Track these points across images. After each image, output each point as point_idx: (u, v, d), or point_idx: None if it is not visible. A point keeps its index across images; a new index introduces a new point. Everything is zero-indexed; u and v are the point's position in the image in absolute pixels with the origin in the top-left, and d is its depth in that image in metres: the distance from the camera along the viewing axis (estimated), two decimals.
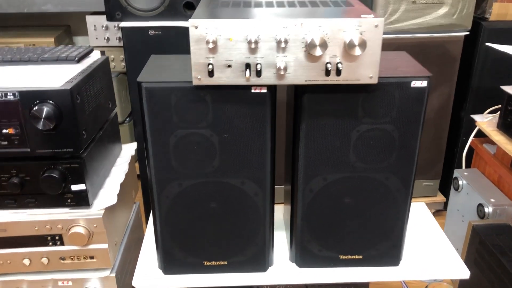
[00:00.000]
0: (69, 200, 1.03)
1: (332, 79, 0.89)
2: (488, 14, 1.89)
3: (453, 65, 1.91)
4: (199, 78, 0.89)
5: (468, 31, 1.86)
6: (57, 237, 1.05)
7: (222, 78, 0.89)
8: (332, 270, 1.11)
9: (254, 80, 0.89)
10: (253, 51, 0.86)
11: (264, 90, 0.92)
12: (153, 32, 1.77)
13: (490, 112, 1.77)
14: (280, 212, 1.29)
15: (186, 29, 1.76)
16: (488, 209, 1.55)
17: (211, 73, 0.88)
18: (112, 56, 2.15)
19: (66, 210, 1.05)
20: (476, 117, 1.76)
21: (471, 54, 1.95)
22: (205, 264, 1.09)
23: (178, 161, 0.98)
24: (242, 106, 0.94)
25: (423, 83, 0.94)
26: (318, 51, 0.85)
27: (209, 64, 0.87)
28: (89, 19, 2.09)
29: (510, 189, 1.59)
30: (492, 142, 1.75)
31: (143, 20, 1.76)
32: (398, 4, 1.78)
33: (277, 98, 0.96)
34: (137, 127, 1.93)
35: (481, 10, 1.91)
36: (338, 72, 0.88)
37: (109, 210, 1.08)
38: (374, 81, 0.90)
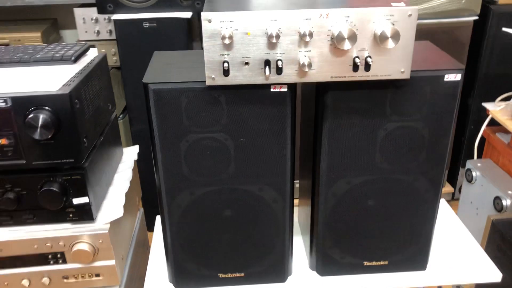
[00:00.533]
0: (71, 215, 0.94)
1: (361, 75, 0.81)
2: None
3: (462, 51, 1.84)
4: (213, 77, 0.80)
5: (477, 16, 1.79)
6: (59, 255, 0.95)
7: (239, 77, 0.80)
8: (356, 278, 1.04)
9: (274, 78, 0.80)
10: (273, 46, 0.78)
11: (285, 89, 0.84)
12: (147, 24, 1.67)
13: (502, 100, 1.70)
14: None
15: (183, 21, 1.66)
16: (506, 202, 1.49)
17: (226, 72, 0.79)
18: (103, 50, 2.04)
19: (68, 225, 0.96)
20: (487, 105, 1.69)
21: (479, 40, 1.88)
22: (220, 276, 1.01)
23: (190, 168, 0.90)
24: (259, 106, 0.85)
25: (457, 77, 0.86)
26: (346, 45, 0.76)
27: (224, 62, 0.78)
28: (77, 12, 1.97)
29: None
30: (505, 131, 1.68)
31: (136, 12, 1.66)
32: None
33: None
34: (134, 125, 1.84)
35: None
36: (367, 67, 0.80)
37: (115, 223, 0.99)
38: (406, 76, 0.82)
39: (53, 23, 2.23)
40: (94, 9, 1.80)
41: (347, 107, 0.88)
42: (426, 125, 0.90)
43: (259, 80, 0.80)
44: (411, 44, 0.79)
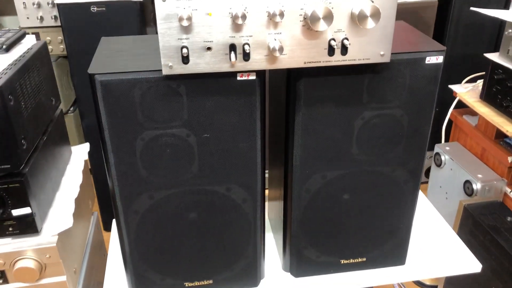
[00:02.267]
0: (10, 228, 0.81)
1: (337, 60, 0.72)
2: None
3: (427, 32, 1.79)
4: (170, 65, 0.69)
5: None
6: None
7: (200, 64, 0.70)
8: (333, 277, 0.97)
9: (241, 65, 0.71)
10: (238, 28, 0.68)
11: (253, 77, 0.74)
12: (95, 8, 1.53)
13: (468, 81, 1.67)
14: None
15: (135, 4, 1.53)
16: (477, 186, 1.46)
17: (185, 59, 0.69)
18: (48, 38, 1.87)
19: (8, 240, 0.83)
20: (454, 87, 1.66)
21: (443, 21, 1.84)
22: (187, 285, 0.92)
23: (147, 169, 0.79)
24: (225, 97, 0.75)
25: (439, 59, 0.79)
26: (321, 25, 0.67)
27: (183, 47, 0.68)
28: None
29: (495, 163, 1.51)
30: (472, 113, 1.66)
31: None
32: None
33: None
34: (85, 120, 1.70)
35: None
36: (344, 51, 0.72)
37: (64, 234, 0.87)
38: (386, 59, 0.74)
39: None
40: None
41: (322, 95, 0.79)
42: (405, 112, 0.83)
43: (224, 67, 0.71)
44: (391, 24, 0.71)
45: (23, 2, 1.80)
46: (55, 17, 1.82)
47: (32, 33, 1.93)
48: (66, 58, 1.99)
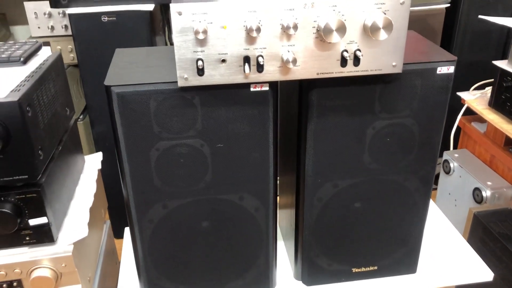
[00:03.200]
0: (27, 238, 0.82)
1: (350, 71, 0.73)
2: None
3: (435, 40, 1.80)
4: (185, 77, 0.71)
5: (448, 3, 1.75)
6: (15, 284, 0.84)
7: (215, 76, 0.71)
8: (344, 285, 0.98)
9: (255, 76, 0.72)
10: (252, 40, 0.69)
11: (266, 88, 0.75)
12: (106, 18, 1.55)
13: (476, 88, 1.67)
14: None
15: (145, 13, 1.55)
16: (486, 193, 1.46)
17: (201, 71, 0.70)
18: (59, 47, 1.89)
19: (24, 249, 0.84)
20: (462, 94, 1.66)
21: (450, 27, 1.84)
22: None
23: (161, 178, 0.80)
24: (238, 108, 0.76)
25: (450, 69, 0.80)
26: (335, 37, 0.68)
27: (198, 59, 0.69)
28: (28, 6, 1.82)
29: (505, 170, 1.51)
30: (480, 120, 1.66)
31: (94, 5, 1.53)
32: None
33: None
34: (95, 127, 1.71)
35: None
36: (357, 62, 0.72)
37: (79, 243, 0.88)
38: (398, 70, 0.75)
39: (1, 18, 2.06)
40: (47, 3, 1.66)
41: (334, 105, 0.80)
42: (416, 121, 0.84)
43: (238, 79, 0.72)
44: (403, 35, 0.72)
45: (35, 12, 1.82)
46: (66, 26, 1.84)
47: (43, 43, 1.96)
48: (76, 67, 2.01)
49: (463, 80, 1.74)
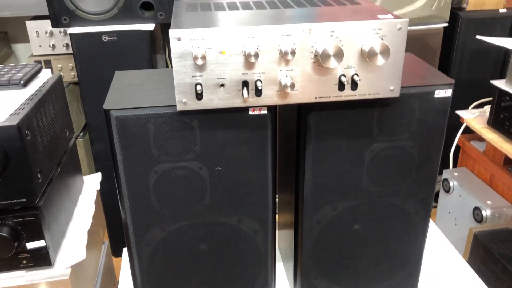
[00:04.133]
0: (24, 261, 0.82)
1: (347, 95, 0.74)
2: (465, 4, 1.81)
3: (434, 59, 1.81)
4: (184, 101, 0.71)
5: (446, 23, 1.77)
6: None
7: (214, 100, 0.71)
8: None
9: (253, 100, 0.72)
10: (251, 65, 0.69)
11: (264, 111, 0.76)
12: (107, 37, 1.56)
13: (474, 107, 1.68)
14: None
15: (145, 33, 1.56)
16: (486, 213, 1.46)
17: (199, 95, 0.70)
18: (60, 65, 1.91)
19: (21, 273, 0.84)
20: (461, 113, 1.66)
21: (449, 47, 1.86)
22: None
23: (160, 201, 0.80)
24: (237, 131, 0.77)
25: (448, 92, 0.80)
26: (332, 63, 0.69)
27: (197, 84, 0.70)
28: (30, 25, 1.83)
29: (504, 189, 1.51)
30: (480, 139, 1.66)
31: (94, 25, 1.54)
32: None
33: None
34: (95, 145, 1.72)
35: (458, 0, 1.82)
36: (354, 86, 0.73)
37: (77, 266, 0.88)
38: (396, 94, 0.75)
39: (3, 37, 2.08)
40: (48, 22, 1.67)
41: (332, 128, 0.80)
42: (415, 144, 0.84)
43: (237, 103, 0.72)
44: (401, 60, 0.72)
45: (36, 31, 1.84)
46: (67, 45, 1.85)
47: (44, 61, 1.97)
48: (77, 85, 2.02)
49: (462, 98, 1.75)
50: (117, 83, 0.84)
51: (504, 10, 1.82)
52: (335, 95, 0.73)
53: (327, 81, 0.72)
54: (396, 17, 0.71)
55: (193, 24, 0.68)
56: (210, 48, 0.67)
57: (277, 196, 1.00)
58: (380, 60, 0.70)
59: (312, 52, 0.70)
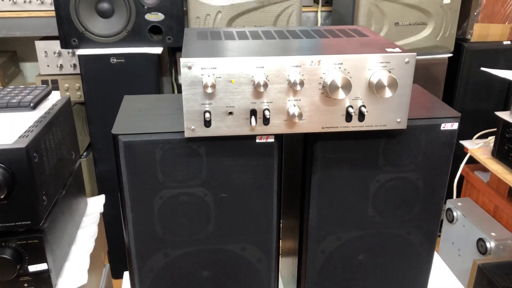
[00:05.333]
0: (26, 284, 0.81)
1: (354, 126, 0.74)
2: (469, 35, 1.83)
3: (438, 88, 1.82)
4: (192, 128, 0.71)
5: (451, 53, 1.78)
6: None
7: (222, 128, 0.72)
8: None
9: (261, 129, 0.73)
10: (259, 95, 0.70)
11: (271, 140, 0.76)
12: (115, 60, 1.58)
13: (479, 137, 1.68)
14: None
15: (153, 56, 1.58)
16: (490, 244, 1.44)
17: (208, 123, 0.71)
18: (66, 85, 1.92)
19: None
20: (465, 143, 1.67)
21: (453, 77, 1.87)
22: None
23: (164, 227, 0.80)
24: (243, 158, 0.77)
25: (454, 125, 0.80)
26: (340, 94, 0.70)
27: (205, 112, 0.70)
28: (39, 45, 1.86)
29: (509, 221, 1.50)
30: (484, 169, 1.66)
31: (103, 47, 1.56)
32: (380, 25, 1.67)
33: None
34: (98, 166, 1.72)
35: (462, 31, 1.85)
36: (362, 117, 0.73)
37: None
38: (403, 126, 0.75)
39: (12, 56, 2.10)
40: (57, 42, 1.70)
41: (338, 157, 0.81)
42: (420, 176, 0.84)
43: (244, 131, 0.72)
44: (408, 92, 0.73)
45: (45, 51, 1.86)
46: (74, 65, 1.87)
47: (51, 80, 1.99)
48: (83, 104, 2.03)
49: (466, 128, 1.75)
50: (126, 108, 0.85)
51: (508, 42, 1.84)
52: (342, 126, 0.74)
53: (334, 112, 0.73)
54: (404, 50, 0.72)
55: (204, 53, 0.69)
56: (220, 77, 0.68)
57: (280, 224, 1.00)
58: (387, 93, 0.70)
59: (320, 83, 0.70)
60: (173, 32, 1.57)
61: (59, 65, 1.89)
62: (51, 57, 1.88)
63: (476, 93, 1.90)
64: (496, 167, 1.48)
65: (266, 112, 0.71)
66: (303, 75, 0.69)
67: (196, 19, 1.57)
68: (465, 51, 1.82)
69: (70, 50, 1.84)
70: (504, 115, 1.47)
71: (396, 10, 1.65)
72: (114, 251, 1.80)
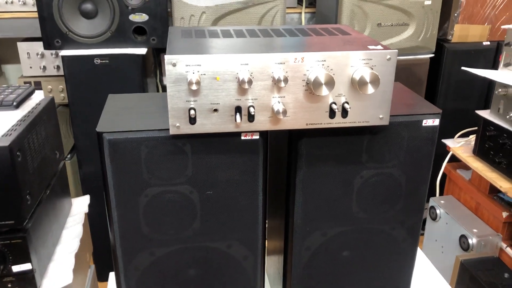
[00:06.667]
0: (9, 285, 0.80)
1: (338, 122, 0.75)
2: (450, 36, 1.86)
3: (420, 88, 1.85)
4: (177, 126, 0.72)
5: (432, 53, 1.81)
6: None
7: (207, 125, 0.72)
8: None
9: (246, 126, 0.73)
10: (244, 92, 0.71)
11: (256, 137, 0.77)
12: (99, 60, 1.57)
13: (460, 136, 1.71)
14: None
15: (138, 57, 1.57)
16: (472, 241, 1.47)
17: (193, 120, 0.71)
18: (50, 86, 1.91)
19: None
20: (447, 141, 1.70)
21: (435, 76, 1.90)
22: None
23: (149, 225, 0.80)
24: (229, 155, 0.77)
25: (435, 121, 0.82)
26: (324, 90, 0.71)
27: (190, 109, 0.70)
28: (21, 46, 1.84)
29: (490, 218, 1.53)
30: (466, 167, 1.69)
31: (87, 48, 1.55)
32: (363, 26, 1.70)
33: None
34: (83, 168, 1.70)
35: (443, 32, 1.88)
36: (345, 114, 0.74)
37: None
38: (385, 122, 0.77)
39: None
40: (40, 43, 1.68)
41: (322, 154, 0.81)
42: (403, 171, 0.85)
43: (229, 128, 0.73)
44: (390, 89, 0.74)
45: (27, 52, 1.84)
46: (58, 66, 1.86)
47: (34, 82, 1.97)
48: (67, 106, 2.02)
49: (448, 127, 1.78)
50: (110, 106, 0.85)
51: (488, 43, 1.88)
52: (326, 122, 0.75)
53: (318, 108, 0.74)
54: (386, 48, 0.73)
55: (188, 50, 0.70)
56: (205, 74, 0.69)
57: (267, 221, 1.00)
58: (370, 89, 0.71)
59: (304, 80, 0.71)
60: (158, 33, 1.57)
61: (42, 67, 1.87)
62: (33, 59, 1.86)
63: (457, 93, 1.93)
64: (477, 165, 1.51)
65: (251, 109, 0.71)
66: (287, 72, 0.70)
67: (180, 20, 1.57)
68: (446, 52, 1.85)
69: (53, 51, 1.82)
70: (484, 113, 1.50)
71: (379, 11, 1.68)
72: (99, 254, 1.78)
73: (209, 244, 0.83)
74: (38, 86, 1.94)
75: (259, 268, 0.87)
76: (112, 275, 1.04)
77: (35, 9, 1.58)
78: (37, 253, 0.83)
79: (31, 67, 1.88)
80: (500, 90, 1.41)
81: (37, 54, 1.85)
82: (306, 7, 1.91)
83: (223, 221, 0.82)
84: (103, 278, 1.75)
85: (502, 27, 1.55)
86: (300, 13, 1.91)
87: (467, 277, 1.39)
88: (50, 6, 1.49)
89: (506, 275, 1.34)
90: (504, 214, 1.45)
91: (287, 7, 1.81)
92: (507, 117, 1.37)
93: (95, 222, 1.67)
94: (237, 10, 1.58)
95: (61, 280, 0.85)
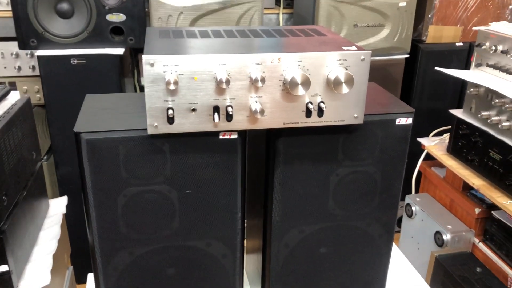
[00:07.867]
0: None
1: (314, 121, 0.77)
2: (424, 37, 1.90)
3: (396, 88, 1.89)
4: (155, 125, 0.72)
5: (407, 54, 1.85)
6: None
7: (185, 124, 0.73)
8: None
9: (224, 125, 0.74)
10: (222, 91, 0.72)
11: (235, 136, 0.78)
12: (76, 61, 1.56)
13: (435, 135, 1.75)
14: None
15: (115, 57, 1.57)
16: (447, 237, 1.51)
17: (171, 120, 0.72)
18: (25, 87, 1.88)
19: None
20: (423, 140, 1.73)
21: (410, 77, 1.94)
22: None
23: (128, 225, 0.80)
24: (207, 155, 0.78)
25: (408, 120, 0.84)
26: (300, 90, 0.72)
27: (168, 108, 0.71)
28: None
29: (463, 214, 1.57)
30: (440, 165, 1.73)
31: (63, 48, 1.54)
32: (340, 27, 1.72)
33: None
34: (60, 169, 1.69)
35: (418, 33, 1.92)
36: (321, 113, 0.76)
37: None
38: (360, 121, 0.79)
39: None
40: (14, 43, 1.66)
41: (299, 152, 0.83)
42: (378, 169, 0.87)
43: (208, 127, 0.74)
44: (364, 89, 0.76)
45: (1, 52, 1.81)
46: (33, 67, 1.83)
47: (9, 82, 1.94)
48: (43, 107, 1.99)
49: (423, 126, 1.82)
50: (88, 107, 0.84)
51: (461, 44, 1.92)
52: (302, 121, 0.76)
53: (295, 108, 0.75)
54: (360, 48, 0.75)
55: (166, 51, 0.70)
56: (182, 74, 0.69)
57: (245, 221, 1.01)
58: (344, 89, 0.73)
59: (281, 80, 0.73)
60: (135, 33, 1.57)
61: (17, 67, 1.84)
62: (8, 59, 1.83)
63: (432, 92, 1.98)
64: (451, 163, 1.55)
65: (229, 109, 0.72)
66: (264, 72, 0.71)
67: (158, 20, 1.57)
68: (421, 52, 1.89)
69: (29, 51, 1.80)
70: (457, 112, 1.54)
71: (355, 12, 1.71)
72: (77, 256, 1.77)
73: (188, 243, 0.84)
74: (13, 86, 1.91)
75: (238, 266, 0.88)
76: (91, 277, 1.04)
77: (9, 8, 1.55)
78: (14, 254, 0.82)
79: (5, 67, 1.85)
80: (472, 89, 1.45)
81: (12, 54, 1.82)
82: (283, 8, 1.93)
83: (202, 220, 0.82)
84: (81, 280, 1.74)
85: (474, 28, 1.59)
86: (278, 13, 1.92)
87: (441, 272, 1.42)
88: (25, 6, 1.48)
89: (478, 269, 1.38)
90: (477, 210, 1.49)
91: (265, 8, 1.82)
92: (479, 116, 1.42)
93: (73, 223, 1.66)
94: (215, 10, 1.59)
95: (38, 281, 0.85)
